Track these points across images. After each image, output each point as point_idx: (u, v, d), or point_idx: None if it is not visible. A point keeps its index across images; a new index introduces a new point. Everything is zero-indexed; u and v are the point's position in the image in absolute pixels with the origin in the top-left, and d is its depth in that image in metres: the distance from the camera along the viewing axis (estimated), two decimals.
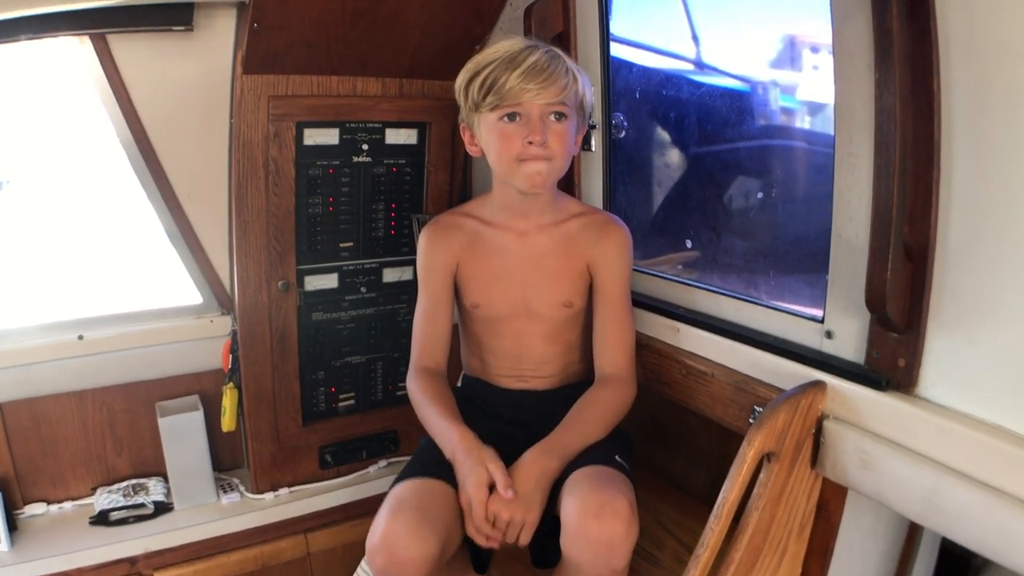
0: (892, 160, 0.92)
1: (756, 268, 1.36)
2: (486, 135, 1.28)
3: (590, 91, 1.32)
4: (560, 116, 1.25)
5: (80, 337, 1.66)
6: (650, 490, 1.51)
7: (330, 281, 1.79)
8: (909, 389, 1.00)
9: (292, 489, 1.83)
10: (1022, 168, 0.85)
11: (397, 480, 1.24)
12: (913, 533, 1.21)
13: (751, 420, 1.19)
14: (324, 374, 1.83)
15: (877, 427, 1.02)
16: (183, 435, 1.71)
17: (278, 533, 1.80)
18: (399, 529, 1.09)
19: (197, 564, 1.70)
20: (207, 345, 1.78)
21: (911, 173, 0.93)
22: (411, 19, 1.58)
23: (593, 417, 1.26)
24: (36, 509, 1.69)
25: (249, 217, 1.64)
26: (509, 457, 1.18)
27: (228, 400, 1.73)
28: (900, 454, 0.98)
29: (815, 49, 1.22)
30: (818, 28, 1.11)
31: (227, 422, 1.74)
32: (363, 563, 1.48)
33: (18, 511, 1.67)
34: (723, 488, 1.02)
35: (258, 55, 1.52)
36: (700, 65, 1.47)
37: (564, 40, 1.55)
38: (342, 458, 1.88)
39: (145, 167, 1.63)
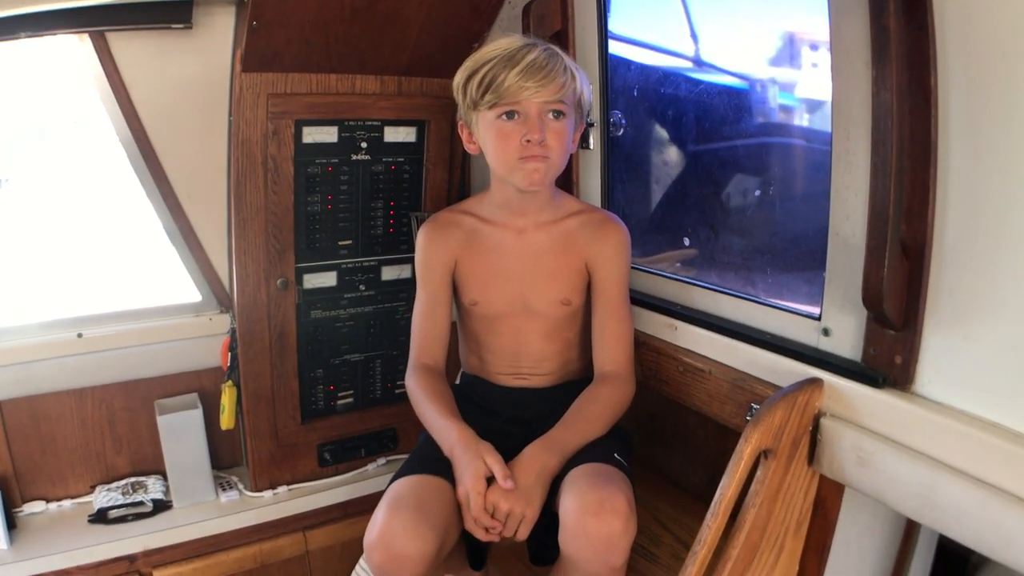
0: (889, 158, 0.92)
1: (754, 266, 1.36)
2: (484, 133, 1.28)
3: (588, 89, 1.33)
4: (558, 114, 1.25)
5: (79, 335, 1.66)
6: (648, 487, 1.52)
7: (329, 279, 1.79)
8: (906, 386, 1.00)
9: (291, 487, 1.83)
10: (1018, 165, 0.85)
11: (395, 477, 1.24)
12: (911, 530, 1.21)
13: (748, 417, 1.18)
14: (323, 372, 1.84)
15: (874, 424, 1.02)
16: (182, 433, 1.71)
17: (277, 531, 1.80)
18: (397, 526, 1.09)
19: (196, 562, 1.70)
20: (206, 343, 1.78)
21: (908, 171, 0.93)
22: (410, 17, 1.58)
23: (593, 415, 1.26)
24: (35, 507, 1.69)
25: (248, 215, 1.64)
26: (508, 454, 1.18)
27: (227, 398, 1.73)
28: (897, 451, 0.98)
29: (814, 46, 1.22)
30: (817, 25, 1.11)
31: (226, 420, 1.74)
32: (362, 560, 1.49)
33: (17, 509, 1.67)
34: (720, 485, 1.03)
35: (257, 53, 1.52)
36: (698, 63, 1.47)
37: (562, 38, 1.55)
38: (341, 456, 1.88)
39: (144, 165, 1.63)
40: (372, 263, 1.84)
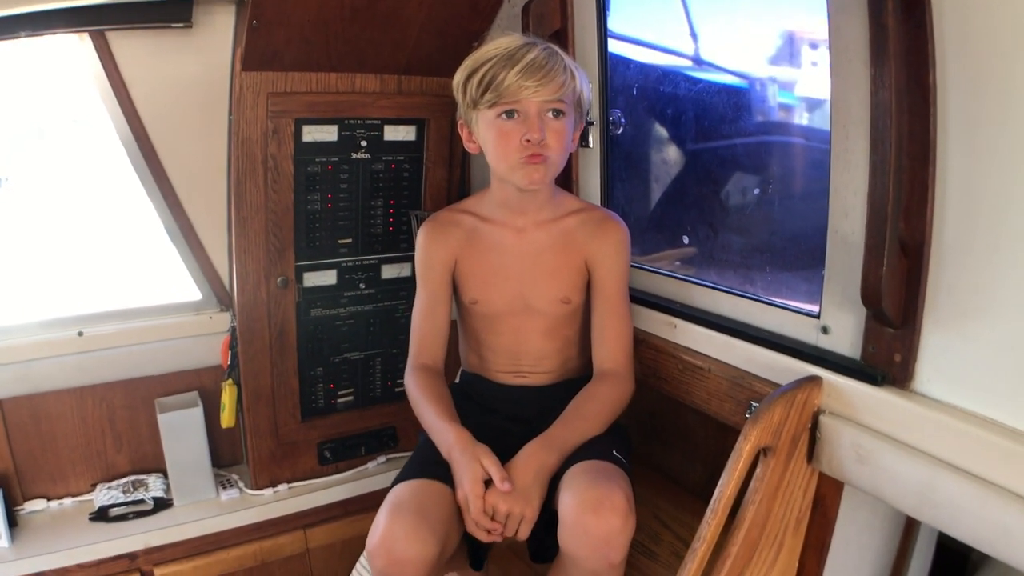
0: (887, 156, 0.92)
1: (753, 264, 1.36)
2: (484, 132, 1.28)
3: (588, 88, 1.33)
4: (558, 113, 1.25)
5: (80, 333, 1.66)
6: (647, 485, 1.52)
7: (329, 277, 1.79)
8: (905, 384, 1.00)
9: (291, 485, 1.83)
10: (1017, 164, 0.85)
11: (396, 480, 1.24)
12: (910, 528, 1.22)
13: (747, 415, 1.19)
14: (323, 370, 1.84)
15: (873, 422, 1.02)
16: (182, 431, 1.71)
17: (277, 529, 1.80)
18: (398, 531, 1.10)
19: (196, 560, 1.70)
20: (206, 341, 1.78)
21: (907, 169, 0.93)
22: (409, 16, 1.58)
23: (591, 412, 1.26)
24: (36, 505, 1.69)
25: (248, 214, 1.64)
26: (507, 452, 1.19)
27: (227, 396, 1.73)
28: (896, 449, 0.98)
29: (814, 45, 1.22)
30: (817, 23, 1.11)
31: (226, 418, 1.74)
32: (362, 558, 1.49)
33: (18, 507, 1.68)
34: (719, 483, 1.03)
35: (257, 52, 1.52)
36: (698, 61, 1.47)
37: (562, 37, 1.55)
38: (341, 454, 1.89)
39: (144, 163, 1.63)
40: (372, 261, 1.84)
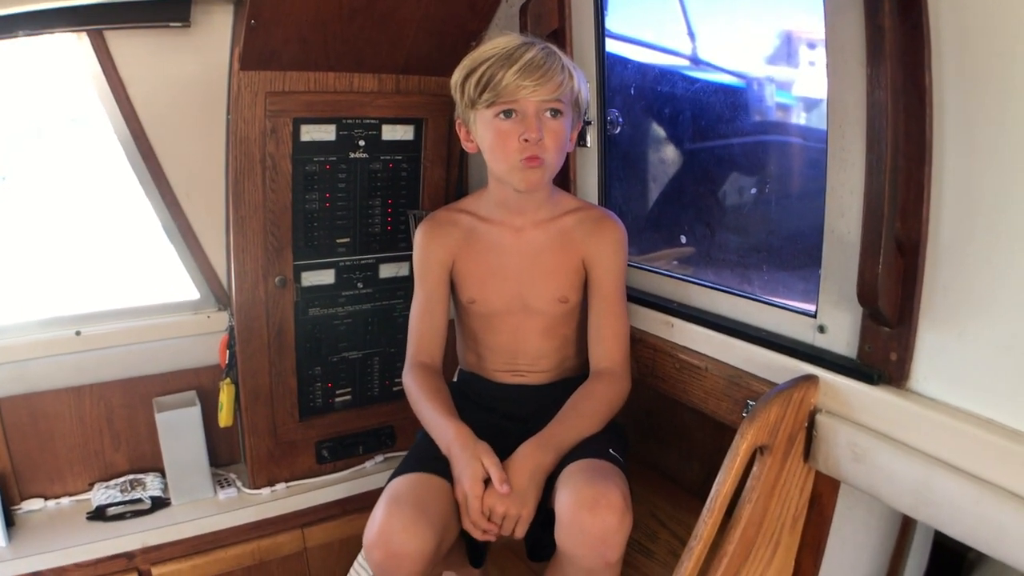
0: (884, 156, 0.92)
1: (750, 263, 1.37)
2: (482, 132, 1.28)
3: (585, 87, 1.33)
4: (556, 113, 1.25)
5: (78, 333, 1.66)
6: (644, 484, 1.52)
7: (327, 277, 1.80)
8: (901, 383, 1.01)
9: (289, 484, 1.83)
10: (1013, 164, 0.85)
11: (394, 475, 1.24)
12: (907, 527, 1.22)
13: (744, 414, 1.19)
14: (321, 369, 1.84)
15: (869, 421, 1.03)
16: (180, 430, 1.71)
17: (275, 528, 1.80)
18: (396, 524, 1.09)
19: (194, 559, 1.71)
20: (204, 341, 1.78)
21: (903, 169, 0.94)
22: (407, 15, 1.58)
23: (587, 411, 1.27)
24: (33, 504, 1.70)
25: (246, 213, 1.64)
26: (504, 451, 1.19)
27: (225, 395, 1.74)
28: (892, 447, 0.98)
29: (811, 45, 1.22)
30: (814, 24, 1.11)
31: (224, 417, 1.74)
32: (360, 557, 1.49)
33: (15, 507, 1.68)
34: (716, 481, 1.03)
35: (255, 51, 1.52)
36: (695, 61, 1.47)
37: (559, 37, 1.55)
38: (339, 453, 1.89)
39: (142, 163, 1.63)
40: (370, 261, 1.84)
